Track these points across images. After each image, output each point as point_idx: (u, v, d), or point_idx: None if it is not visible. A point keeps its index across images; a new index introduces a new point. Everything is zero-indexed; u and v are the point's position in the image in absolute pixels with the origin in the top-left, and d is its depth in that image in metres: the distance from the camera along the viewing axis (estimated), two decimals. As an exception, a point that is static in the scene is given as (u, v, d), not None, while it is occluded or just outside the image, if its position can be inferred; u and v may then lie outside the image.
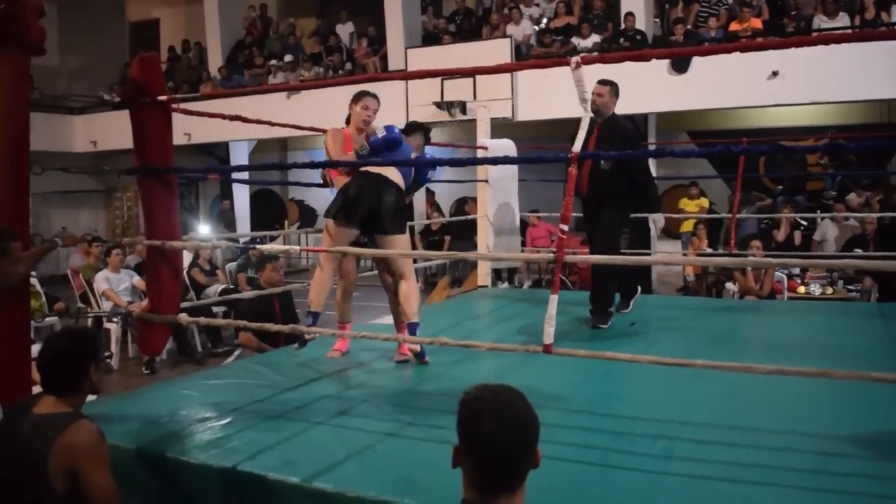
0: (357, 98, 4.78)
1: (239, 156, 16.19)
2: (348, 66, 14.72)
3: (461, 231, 13.47)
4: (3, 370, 3.39)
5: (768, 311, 6.85)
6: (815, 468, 2.75)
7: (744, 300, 8.27)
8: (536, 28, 13.35)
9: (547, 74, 9.95)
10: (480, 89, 11.93)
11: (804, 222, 11.27)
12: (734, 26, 11.37)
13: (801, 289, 9.45)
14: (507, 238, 7.56)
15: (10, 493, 2.53)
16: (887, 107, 11.95)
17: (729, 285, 9.17)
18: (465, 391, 1.79)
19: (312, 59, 15.19)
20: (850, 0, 11.22)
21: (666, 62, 10.82)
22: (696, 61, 10.66)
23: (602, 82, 5.33)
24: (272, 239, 15.72)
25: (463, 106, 12.14)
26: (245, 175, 14.60)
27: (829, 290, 9.37)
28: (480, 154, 7.36)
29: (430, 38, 14.20)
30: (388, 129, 4.52)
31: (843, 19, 10.85)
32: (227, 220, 15.76)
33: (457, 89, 12.06)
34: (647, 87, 10.79)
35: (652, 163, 12.26)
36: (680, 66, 10.77)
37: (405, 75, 6.68)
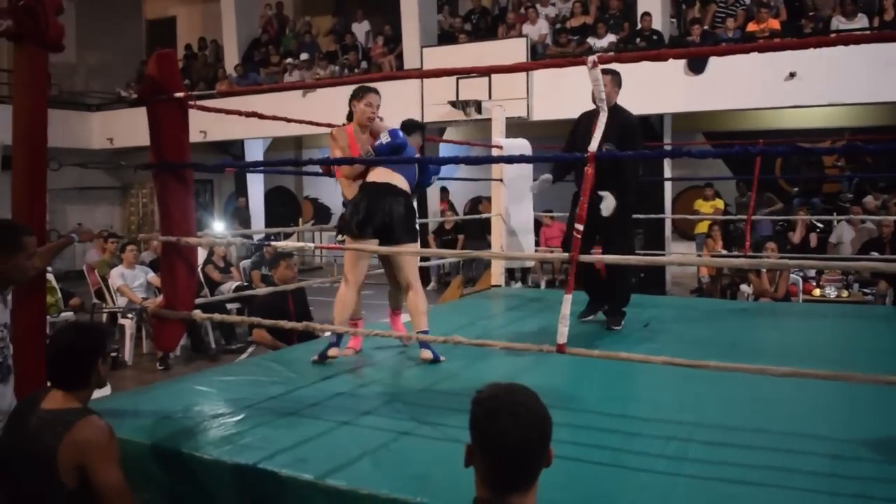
0: (359, 95, 4.75)
1: (254, 153, 16.27)
2: (364, 64, 14.74)
3: (474, 230, 13.47)
4: (20, 365, 3.41)
5: (783, 313, 6.82)
6: (830, 471, 2.73)
7: (758, 302, 8.23)
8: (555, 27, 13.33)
9: (562, 74, 9.96)
10: (496, 88, 11.92)
11: (820, 224, 11.21)
12: (751, 27, 11.31)
13: (817, 291, 9.41)
14: (521, 237, 7.55)
15: (19, 488, 2.54)
16: (904, 109, 11.88)
17: (743, 287, 9.13)
18: (478, 390, 1.79)
19: (328, 58, 15.22)
20: (868, 1, 11.14)
21: (682, 63, 10.78)
22: (713, 62, 10.62)
23: (603, 72, 5.25)
24: (286, 236, 15.79)
25: (478, 105, 12.14)
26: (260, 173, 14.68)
27: (845, 293, 9.32)
28: (495, 153, 7.35)
29: (446, 38, 14.20)
30: (393, 133, 4.49)
31: (861, 20, 10.77)
32: (242, 217, 15.82)
33: (472, 88, 12.06)
34: (663, 88, 10.77)
35: (667, 163, 12.28)
36: (696, 66, 10.73)
37: (421, 74, 6.67)
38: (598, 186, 5.18)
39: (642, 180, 12.30)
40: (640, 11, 12.12)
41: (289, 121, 5.30)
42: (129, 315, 8.65)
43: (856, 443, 3.00)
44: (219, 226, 14.12)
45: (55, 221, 15.64)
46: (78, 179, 16.60)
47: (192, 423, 3.40)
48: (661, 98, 11.06)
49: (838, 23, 10.87)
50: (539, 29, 13.19)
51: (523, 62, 11.35)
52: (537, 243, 11.77)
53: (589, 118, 5.29)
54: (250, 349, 8.21)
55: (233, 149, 16.75)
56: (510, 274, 9.02)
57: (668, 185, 12.42)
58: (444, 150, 12.49)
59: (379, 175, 4.51)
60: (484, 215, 9.57)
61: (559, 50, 12.48)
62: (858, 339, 5.35)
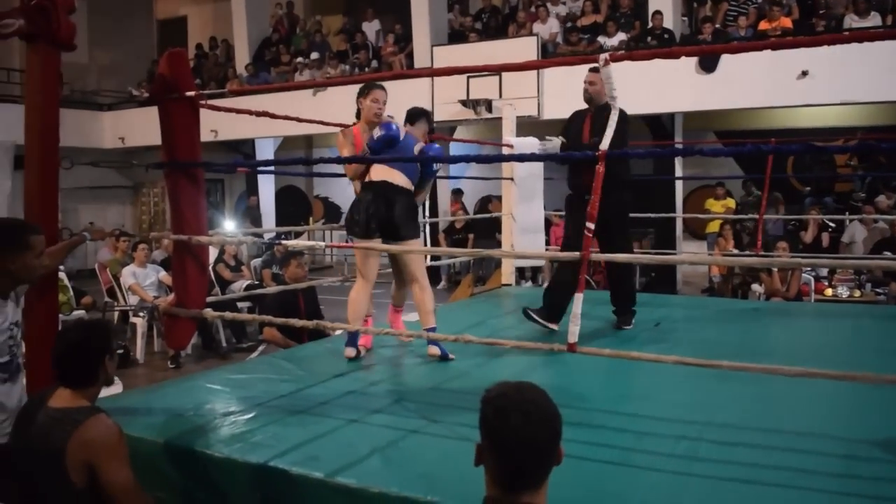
0: (365, 91, 4.74)
1: (265, 153, 16.32)
2: (374, 63, 14.76)
3: (484, 229, 13.46)
4: (32, 364, 3.42)
5: (795, 313, 6.78)
6: (842, 472, 2.72)
7: (770, 302, 8.20)
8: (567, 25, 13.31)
9: (573, 73, 9.86)
10: (506, 87, 11.91)
11: (832, 224, 11.15)
12: (763, 25, 11.26)
13: (829, 291, 9.36)
14: (532, 236, 7.53)
15: (28, 487, 2.55)
16: (918, 108, 11.81)
17: (755, 287, 9.10)
18: (488, 388, 1.79)
19: (339, 57, 15.24)
20: (882, -1, 11.09)
21: (694, 62, 10.76)
22: (725, 60, 10.59)
23: (594, 69, 5.21)
24: (297, 235, 15.82)
25: (489, 104, 12.13)
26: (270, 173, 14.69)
27: (857, 293, 9.27)
28: (506, 152, 7.34)
29: (457, 36, 14.21)
30: (385, 126, 4.46)
31: (874, 18, 10.71)
32: (253, 216, 15.86)
33: (483, 87, 12.06)
34: (674, 87, 10.74)
35: (678, 162, 12.25)
36: (708, 65, 10.70)
37: (431, 72, 6.69)
38: (590, 184, 5.12)
39: (651, 179, 12.36)
40: (651, 10, 12.09)
41: (299, 120, 5.31)
42: (141, 313, 8.69)
43: (868, 443, 2.98)
44: (230, 225, 14.17)
45: (67, 220, 15.73)
46: (90, 178, 16.65)
47: (204, 421, 3.41)
48: (672, 97, 11.04)
49: (851, 21, 10.82)
50: (550, 28, 13.18)
51: (534, 61, 11.31)
52: (547, 242, 11.76)
53: (581, 117, 5.27)
54: (261, 347, 8.24)
55: (244, 148, 16.81)
56: (520, 273, 9.01)
57: (679, 185, 12.39)
58: (455, 149, 12.49)
59: (377, 173, 4.51)
60: (494, 214, 9.57)
61: (570, 49, 12.46)
62: (871, 339, 5.32)
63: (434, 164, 4.69)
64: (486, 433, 1.74)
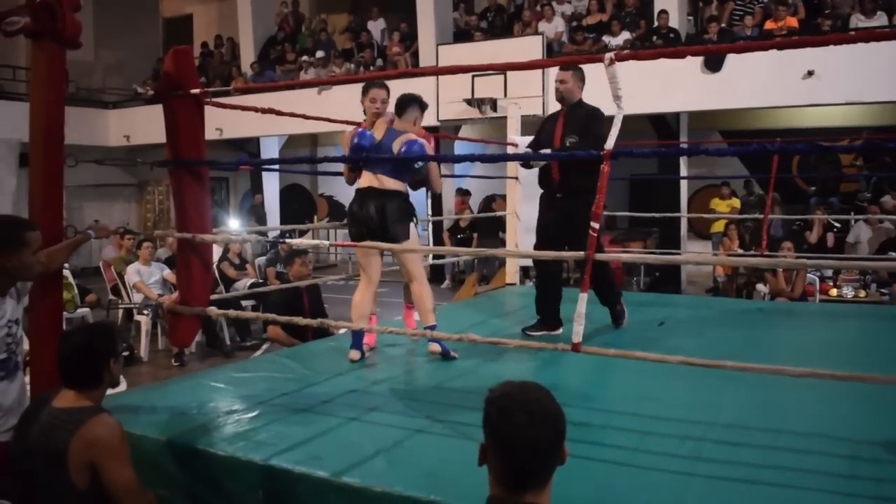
0: (364, 91, 4.74)
1: (269, 151, 16.33)
2: (379, 62, 14.76)
3: (488, 228, 13.46)
4: (36, 361, 3.43)
5: (799, 313, 6.77)
6: (847, 472, 2.71)
7: (775, 302, 8.18)
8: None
9: (578, 72, 9.91)
10: (511, 86, 11.90)
11: (837, 224, 11.13)
12: (769, 25, 11.24)
13: (834, 291, 9.35)
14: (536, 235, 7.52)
15: (32, 487, 2.55)
16: (924, 108, 11.78)
17: (760, 287, 9.08)
18: (492, 388, 1.78)
19: (344, 56, 15.25)
20: (888, -1, 11.06)
21: (699, 61, 10.74)
22: (730, 60, 10.57)
23: (564, 68, 5.14)
24: (301, 234, 15.83)
25: (493, 103, 12.13)
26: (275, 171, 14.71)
27: (862, 294, 9.25)
28: (510, 151, 7.33)
29: (462, 35, 14.20)
30: (358, 135, 4.50)
31: (880, 18, 10.69)
32: (258, 214, 15.88)
33: (488, 86, 12.05)
34: (679, 86, 10.73)
35: (683, 162, 12.23)
36: (713, 64, 10.68)
37: (436, 70, 6.69)
38: (566, 184, 5.01)
39: (656, 178, 12.34)
40: (657, 9, 12.08)
41: (304, 118, 5.31)
42: (145, 311, 8.70)
43: (872, 444, 2.97)
44: (234, 223, 14.18)
45: (72, 218, 15.75)
46: (95, 176, 16.68)
47: (207, 419, 3.42)
48: (677, 96, 11.02)
49: (857, 20, 10.79)
50: (555, 27, 13.17)
51: (539, 60, 11.31)
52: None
53: (554, 117, 5.21)
54: (265, 346, 8.24)
55: (248, 146, 16.83)
56: (525, 272, 8.99)
57: (683, 184, 12.39)
58: (460, 148, 12.48)
59: (363, 180, 4.54)
60: (498, 213, 9.57)
61: (575, 48, 12.45)
62: (876, 339, 5.31)
63: (418, 163, 4.62)
64: (489, 433, 1.74)
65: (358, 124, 4.81)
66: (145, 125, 15.49)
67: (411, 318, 5.14)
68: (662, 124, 12.15)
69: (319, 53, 15.41)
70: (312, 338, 5.96)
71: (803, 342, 5.20)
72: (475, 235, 13.81)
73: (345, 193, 17.77)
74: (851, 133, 11.71)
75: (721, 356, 2.99)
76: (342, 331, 5.15)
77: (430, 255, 10.80)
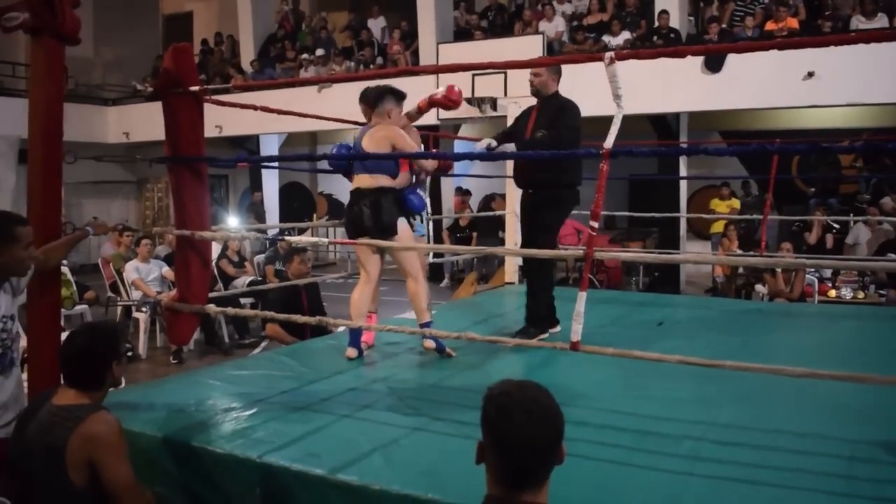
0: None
1: (269, 149, 16.32)
2: (379, 60, 14.74)
3: (488, 227, 13.46)
4: (34, 358, 3.43)
5: (798, 314, 6.77)
6: (845, 473, 2.71)
7: (773, 303, 8.18)
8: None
9: (578, 72, 9.88)
10: (511, 85, 11.88)
11: (836, 225, 11.13)
12: (770, 26, 11.23)
13: (832, 292, 9.34)
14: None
15: (30, 486, 2.54)
16: (924, 110, 11.77)
17: (758, 287, 9.08)
18: (490, 386, 1.78)
19: (344, 54, 15.23)
20: (889, 0, 11.04)
21: (699, 61, 10.73)
22: (730, 61, 10.56)
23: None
24: (301, 231, 15.81)
25: (494, 102, 12.11)
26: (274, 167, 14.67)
27: (861, 295, 9.25)
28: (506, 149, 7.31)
29: (462, 34, 14.19)
30: (337, 146, 4.70)
31: (881, 20, 10.68)
32: (257, 212, 15.86)
33: (488, 85, 12.03)
34: (679, 86, 10.72)
35: (683, 162, 12.22)
36: (714, 65, 10.68)
37: (437, 69, 6.67)
38: (530, 180, 4.99)
39: (656, 178, 12.33)
40: (657, 9, 12.07)
41: (303, 115, 5.30)
42: (144, 308, 8.69)
43: (871, 444, 2.97)
44: (233, 221, 14.17)
45: (71, 215, 15.72)
46: (94, 173, 16.61)
47: (205, 416, 3.41)
48: (677, 96, 11.02)
49: (858, 22, 10.79)
50: (555, 26, 13.16)
51: (539, 58, 11.29)
52: (551, 241, 11.74)
53: (527, 113, 5.17)
54: (263, 343, 8.23)
55: (248, 144, 16.80)
56: (524, 271, 8.97)
57: (683, 184, 12.37)
58: (460, 147, 12.46)
59: (353, 182, 4.60)
60: (497, 212, 9.56)
61: (576, 47, 12.44)
62: (874, 340, 5.31)
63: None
64: (487, 431, 1.73)
65: (358, 124, 4.83)
66: (145, 122, 15.46)
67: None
68: (662, 125, 12.14)
69: (319, 51, 15.40)
70: (311, 336, 5.95)
71: (802, 343, 5.20)
72: (475, 234, 13.81)
73: (344, 192, 17.62)
74: (852, 135, 11.71)
75: (720, 356, 2.99)
76: (341, 329, 5.15)
77: (431, 254, 10.78)
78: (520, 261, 8.17)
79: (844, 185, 12.94)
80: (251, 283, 9.55)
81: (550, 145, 4.61)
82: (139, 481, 2.58)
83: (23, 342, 3.53)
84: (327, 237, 15.24)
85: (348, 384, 3.95)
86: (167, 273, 8.85)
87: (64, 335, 3.49)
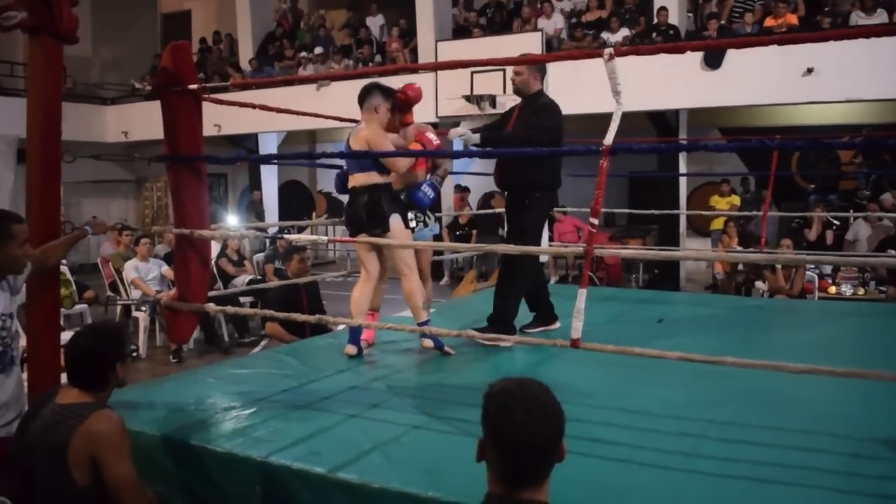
0: None
1: (268, 147, 16.30)
2: (378, 58, 14.74)
3: (487, 225, 13.45)
4: (34, 357, 3.42)
5: (798, 310, 6.77)
6: (846, 470, 2.70)
7: (773, 299, 8.18)
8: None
9: (578, 69, 9.89)
10: (510, 83, 11.88)
11: (836, 222, 11.13)
12: (769, 22, 11.22)
13: (832, 289, 9.34)
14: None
15: (30, 485, 2.54)
16: (924, 105, 11.76)
17: (759, 284, 9.07)
18: (491, 384, 1.78)
19: (343, 52, 15.22)
20: (888, -4, 11.04)
21: (699, 58, 10.72)
22: (730, 57, 10.55)
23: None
24: (300, 230, 15.81)
25: (493, 99, 12.10)
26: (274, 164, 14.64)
27: (861, 291, 9.25)
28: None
29: (461, 32, 14.17)
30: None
31: (881, 16, 10.67)
32: (257, 210, 15.86)
33: (487, 82, 12.02)
34: (679, 83, 10.71)
35: (682, 159, 12.20)
36: (713, 61, 10.66)
37: (435, 66, 6.67)
38: (504, 181, 4.95)
39: (655, 175, 12.32)
40: (656, 6, 12.05)
41: (302, 114, 5.30)
42: (143, 308, 8.69)
43: (872, 441, 2.97)
44: (233, 219, 14.16)
45: (70, 214, 15.72)
46: (93, 172, 16.65)
47: (205, 415, 3.41)
48: (676, 93, 11.00)
49: (857, 18, 10.78)
50: (554, 23, 13.15)
51: (538, 54, 11.29)
52: (550, 238, 11.75)
53: (510, 113, 5.11)
54: (263, 342, 8.23)
55: (247, 143, 16.79)
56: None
57: (683, 181, 12.36)
58: (459, 145, 12.43)
59: (350, 181, 4.57)
60: (497, 210, 9.55)
61: (574, 44, 12.43)
62: (875, 336, 5.30)
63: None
64: (488, 429, 1.73)
65: (357, 122, 4.81)
66: (143, 121, 15.45)
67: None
68: (662, 121, 12.13)
69: (318, 50, 15.39)
70: (311, 334, 5.95)
71: (802, 339, 5.20)
72: (474, 232, 13.81)
73: (343, 190, 17.77)
74: (851, 131, 11.69)
75: (720, 353, 2.99)
76: (340, 327, 5.14)
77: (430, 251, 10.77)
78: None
79: (844, 181, 12.93)
80: (251, 282, 9.55)
81: (512, 145, 4.58)
82: (141, 480, 2.57)
83: (22, 342, 3.53)
84: (327, 235, 15.24)
85: (348, 383, 3.94)
86: (166, 272, 8.84)
87: (64, 335, 3.49)
